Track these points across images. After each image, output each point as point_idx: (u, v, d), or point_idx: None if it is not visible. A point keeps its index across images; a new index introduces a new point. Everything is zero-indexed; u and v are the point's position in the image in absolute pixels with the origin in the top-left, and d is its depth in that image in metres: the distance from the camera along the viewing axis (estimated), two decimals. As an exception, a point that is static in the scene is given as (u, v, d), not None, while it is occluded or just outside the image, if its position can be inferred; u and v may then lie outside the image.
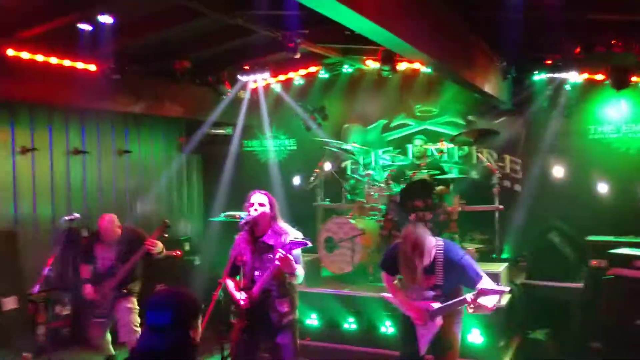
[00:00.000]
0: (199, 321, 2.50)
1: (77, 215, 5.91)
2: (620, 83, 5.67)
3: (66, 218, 5.88)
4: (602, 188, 7.34)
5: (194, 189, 9.87)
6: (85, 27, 5.60)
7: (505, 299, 5.83)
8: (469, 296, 3.94)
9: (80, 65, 6.59)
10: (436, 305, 4.12)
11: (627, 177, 7.18)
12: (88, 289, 5.71)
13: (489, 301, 3.93)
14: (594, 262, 6.43)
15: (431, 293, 4.16)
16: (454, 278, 4.08)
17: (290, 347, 4.32)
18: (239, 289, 4.32)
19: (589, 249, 6.54)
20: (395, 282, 4.51)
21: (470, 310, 4.01)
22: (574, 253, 6.73)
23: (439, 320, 4.13)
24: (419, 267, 3.98)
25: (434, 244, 4.11)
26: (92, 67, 6.58)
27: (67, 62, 6.48)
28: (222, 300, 4.17)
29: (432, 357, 4.28)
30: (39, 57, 6.24)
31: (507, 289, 3.85)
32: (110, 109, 7.64)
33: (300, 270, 4.26)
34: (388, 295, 4.51)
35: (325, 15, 3.72)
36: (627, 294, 5.59)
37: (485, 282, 4.00)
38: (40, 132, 7.23)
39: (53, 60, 6.36)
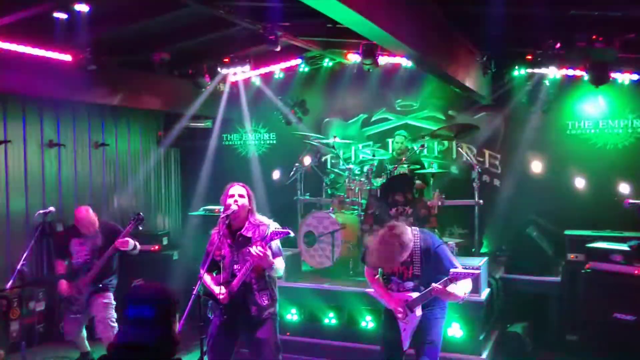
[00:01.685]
0: (177, 317, 2.45)
1: (51, 209, 5.80)
2: (600, 79, 5.73)
3: (40, 212, 5.77)
4: (580, 183, 7.43)
5: (173, 183, 9.75)
6: (60, 15, 5.45)
7: (484, 294, 5.86)
8: (436, 285, 3.91)
9: (55, 55, 6.42)
10: (414, 295, 4.12)
11: (604, 173, 7.27)
12: (63, 285, 5.61)
13: (460, 288, 3.93)
14: (571, 256, 6.52)
15: (410, 284, 4.16)
16: (431, 268, 4.07)
17: (270, 341, 4.27)
18: (217, 284, 4.26)
19: (567, 243, 6.63)
20: (377, 275, 4.49)
21: (443, 299, 4.00)
22: (552, 247, 6.81)
23: (418, 311, 4.12)
24: (397, 261, 3.98)
25: (411, 236, 4.10)
26: (68, 58, 6.42)
27: (41, 52, 6.31)
28: (202, 296, 4.09)
29: (413, 351, 4.26)
30: (13, 47, 6.07)
31: (477, 271, 3.84)
32: (86, 101, 7.48)
33: (279, 264, 4.23)
34: (370, 290, 4.49)
35: (306, 8, 3.67)
36: (604, 288, 5.65)
37: None
38: (14, 124, 7.05)
39: (27, 49, 6.19)
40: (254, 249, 3.99)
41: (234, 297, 4.19)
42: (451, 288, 3.88)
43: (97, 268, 5.52)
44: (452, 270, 3.88)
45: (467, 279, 3.91)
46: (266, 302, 4.26)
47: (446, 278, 3.88)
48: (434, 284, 3.94)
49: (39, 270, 7.15)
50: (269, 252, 4.06)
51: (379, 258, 4.05)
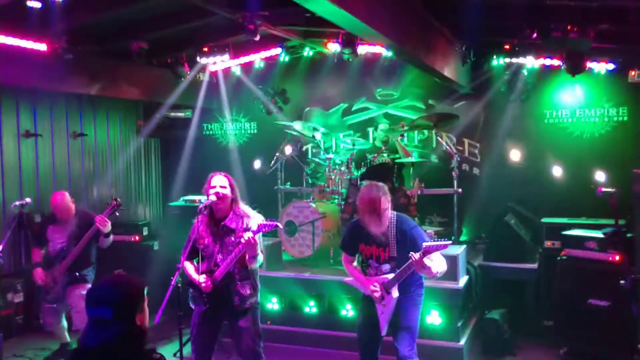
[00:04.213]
0: (144, 304, 2.42)
1: (28, 200, 5.74)
2: (576, 68, 5.79)
3: (17, 203, 5.71)
4: (557, 171, 7.53)
5: (153, 173, 9.69)
6: (34, 4, 5.35)
7: (463, 281, 5.94)
8: (414, 256, 3.93)
9: (30, 44, 6.31)
10: (390, 277, 4.17)
11: (580, 161, 7.37)
12: (39, 273, 5.59)
13: (436, 264, 3.99)
14: (548, 243, 6.61)
15: (387, 266, 4.22)
16: (406, 249, 4.10)
17: (251, 330, 4.30)
18: (199, 273, 4.26)
19: (544, 230, 6.72)
20: (355, 263, 4.54)
21: (418, 271, 4.04)
22: (529, 235, 6.90)
23: (394, 293, 4.17)
24: (381, 208, 4.06)
25: (389, 207, 4.18)
26: (43, 47, 6.33)
27: (16, 41, 6.21)
28: (180, 286, 4.09)
29: (391, 338, 4.31)
30: (-14, 36, 5.98)
31: (449, 242, 3.89)
32: (63, 90, 7.39)
33: (260, 254, 4.24)
34: (349, 279, 4.53)
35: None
36: (579, 274, 5.76)
37: None
38: (-11, 114, 6.97)
39: (1, 38, 6.08)
40: (247, 235, 3.99)
41: (217, 287, 4.21)
42: (427, 262, 3.92)
43: (73, 255, 5.49)
44: (424, 243, 3.93)
45: (440, 252, 3.96)
46: (248, 291, 4.28)
47: (422, 250, 3.91)
48: (412, 254, 3.95)
49: (16, 261, 7.09)
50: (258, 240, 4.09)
51: (364, 208, 4.12)
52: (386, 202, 4.14)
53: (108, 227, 5.51)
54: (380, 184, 4.26)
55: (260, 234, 4.22)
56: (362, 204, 4.18)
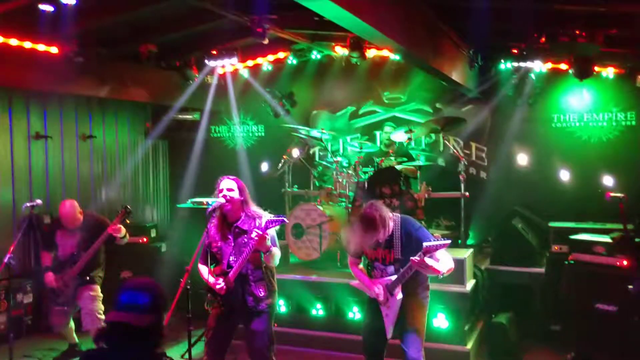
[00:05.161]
0: (164, 314, 2.47)
1: (38, 201, 5.77)
2: (583, 73, 5.78)
3: (27, 204, 5.74)
4: (564, 175, 7.53)
5: (161, 175, 9.74)
6: (46, 7, 5.41)
7: (470, 284, 5.94)
8: (414, 258, 3.92)
9: (41, 47, 6.39)
10: (393, 278, 4.18)
11: (588, 165, 7.37)
12: (49, 277, 5.61)
13: (441, 263, 3.98)
14: (555, 248, 6.59)
15: (392, 268, 4.23)
16: (411, 251, 4.10)
17: (264, 334, 4.30)
18: (213, 276, 4.28)
19: (551, 234, 6.70)
20: (360, 265, 4.55)
21: (422, 271, 4.02)
22: (536, 239, 6.88)
23: (398, 294, 4.17)
24: (375, 238, 4.08)
25: (391, 217, 4.17)
26: (54, 50, 6.40)
27: (27, 44, 6.29)
28: (190, 289, 4.11)
29: (398, 341, 4.32)
30: (-2, 39, 6.05)
31: (448, 241, 3.89)
32: (73, 93, 7.45)
33: (276, 251, 4.25)
34: (355, 282, 4.54)
35: (294, 1, 3.69)
36: (586, 279, 5.74)
37: None
38: (0, 116, 7.02)
39: (12, 41, 6.16)
40: (255, 232, 4.03)
41: (231, 288, 4.22)
42: (429, 261, 3.91)
43: (84, 260, 5.52)
44: (425, 243, 3.92)
45: (443, 249, 3.96)
46: (263, 293, 4.28)
47: (421, 251, 3.90)
48: (412, 259, 3.95)
49: (26, 262, 7.14)
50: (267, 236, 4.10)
51: (361, 232, 4.10)
52: (383, 225, 4.09)
53: (122, 232, 5.57)
54: (384, 208, 4.18)
55: (275, 232, 4.26)
56: (361, 229, 4.14)
